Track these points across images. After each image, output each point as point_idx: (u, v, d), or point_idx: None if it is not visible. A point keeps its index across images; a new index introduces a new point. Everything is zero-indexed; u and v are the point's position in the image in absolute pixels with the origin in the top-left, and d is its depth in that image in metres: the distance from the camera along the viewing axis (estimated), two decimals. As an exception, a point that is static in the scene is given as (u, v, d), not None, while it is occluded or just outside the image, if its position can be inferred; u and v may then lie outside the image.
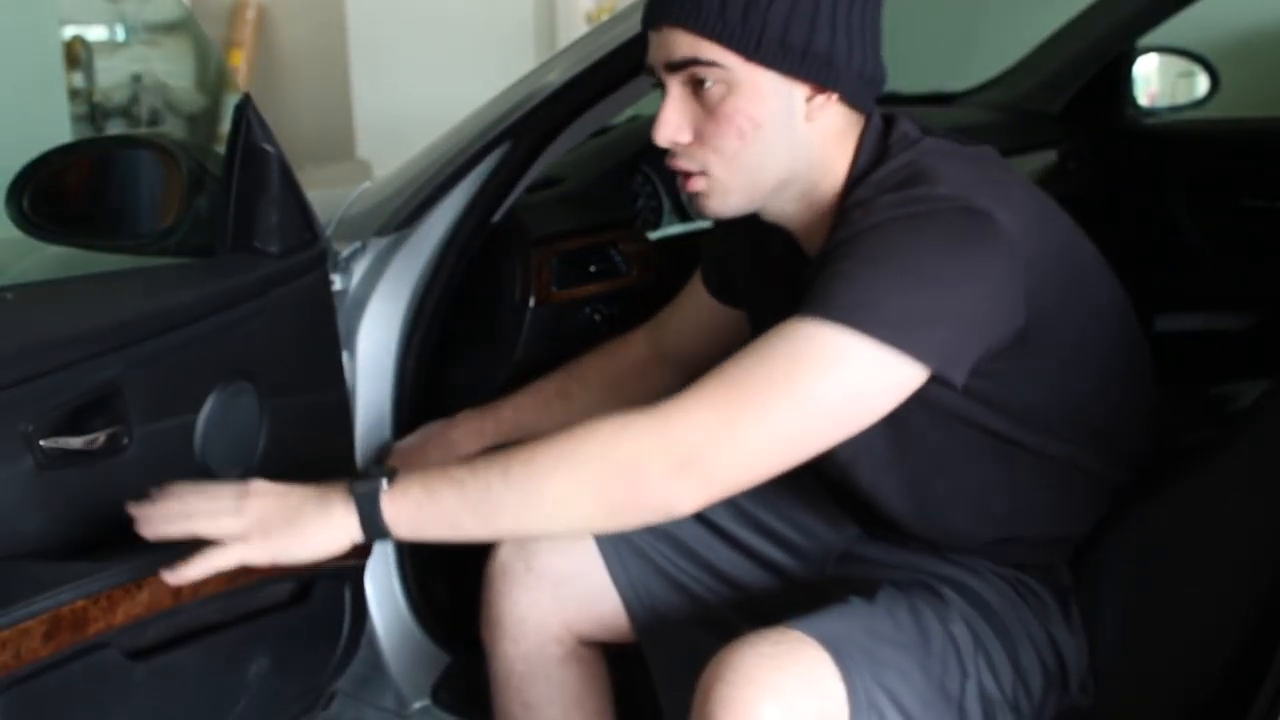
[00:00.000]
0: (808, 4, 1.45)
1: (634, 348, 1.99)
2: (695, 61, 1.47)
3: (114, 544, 1.52)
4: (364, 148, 5.71)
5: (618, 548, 1.80)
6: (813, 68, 1.47)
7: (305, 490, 1.46)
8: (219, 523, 1.44)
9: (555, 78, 1.99)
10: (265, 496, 1.45)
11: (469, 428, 2.00)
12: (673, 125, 1.51)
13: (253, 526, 1.43)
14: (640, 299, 2.29)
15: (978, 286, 1.41)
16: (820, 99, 1.49)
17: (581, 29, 5.47)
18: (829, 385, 1.39)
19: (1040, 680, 1.60)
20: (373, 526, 1.43)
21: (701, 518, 1.82)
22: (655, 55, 1.51)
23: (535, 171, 2.05)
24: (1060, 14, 3.21)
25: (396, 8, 5.58)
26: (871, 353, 1.38)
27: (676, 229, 2.56)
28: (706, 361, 1.83)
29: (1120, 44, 3.15)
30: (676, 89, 1.50)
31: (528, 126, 1.98)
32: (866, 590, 1.59)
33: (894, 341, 1.38)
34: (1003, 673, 1.57)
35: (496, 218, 2.07)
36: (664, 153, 2.57)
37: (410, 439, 2.05)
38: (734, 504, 1.83)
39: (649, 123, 2.64)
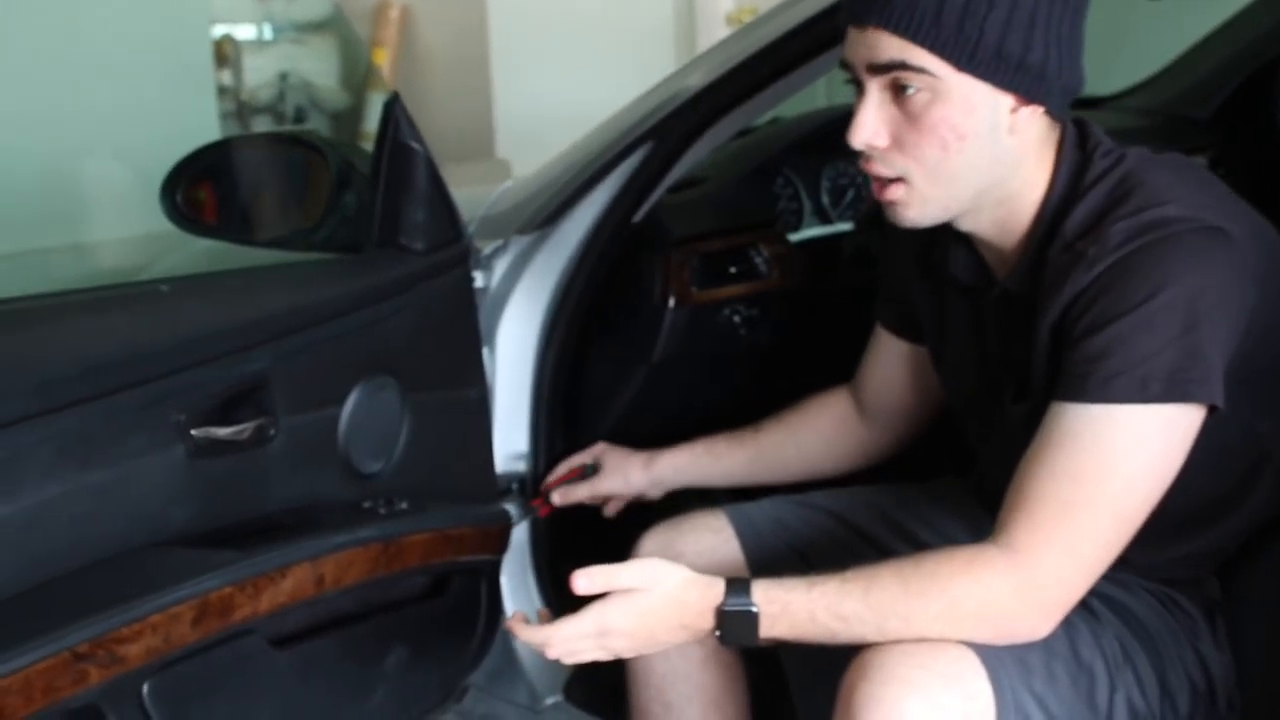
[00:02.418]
0: (1024, 15, 1.40)
1: (837, 407, 1.94)
2: (903, 66, 1.42)
3: (259, 532, 1.56)
4: (503, 147, 5.76)
5: (762, 551, 1.79)
6: (1025, 80, 1.43)
7: (666, 618, 1.47)
8: (581, 658, 1.52)
9: (698, 79, 1.99)
10: (625, 637, 1.48)
11: (671, 469, 1.99)
12: (870, 128, 1.46)
13: (619, 651, 1.51)
14: (780, 301, 2.28)
15: (1229, 307, 1.41)
16: (1025, 111, 1.45)
17: (721, 30, 5.46)
18: (1139, 469, 1.41)
19: (1188, 698, 1.56)
20: (734, 640, 1.48)
21: (847, 523, 1.82)
22: (856, 53, 1.46)
23: (677, 172, 2.05)
24: (1211, 18, 3.13)
25: (537, 9, 5.61)
26: (1167, 418, 1.40)
27: (817, 231, 2.54)
28: (912, 410, 1.88)
29: (1272, 48, 3.07)
30: (876, 91, 1.45)
31: (670, 127, 1.97)
32: None
33: (1183, 398, 1.39)
34: (1150, 689, 1.54)
35: (637, 218, 2.07)
36: (805, 154, 2.59)
37: (579, 458, 2.05)
38: (879, 510, 1.82)
39: (791, 125, 2.66)
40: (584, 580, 1.46)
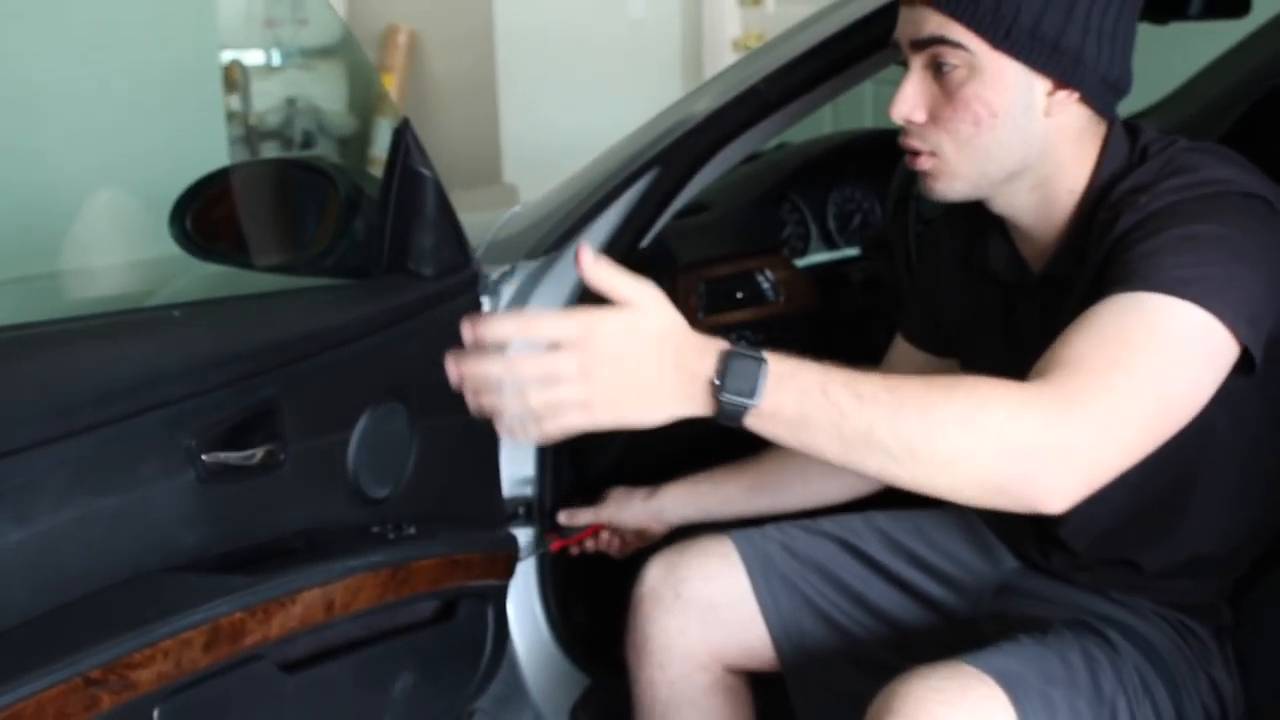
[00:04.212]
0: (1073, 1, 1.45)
1: None
2: (941, 41, 1.47)
3: (269, 557, 1.56)
4: (510, 172, 5.77)
5: (768, 578, 1.79)
6: (1060, 63, 1.46)
7: (659, 352, 1.25)
8: (560, 391, 1.24)
9: (705, 105, 2.00)
10: (610, 360, 1.24)
11: (671, 499, 1.99)
12: (909, 103, 1.50)
13: (597, 393, 1.25)
14: (786, 326, 2.29)
15: (1274, 269, 1.41)
16: (1061, 95, 1.49)
17: (728, 56, 5.48)
18: (1183, 360, 1.36)
19: (1202, 726, 1.56)
20: (733, 405, 1.26)
21: (855, 550, 1.81)
22: (903, 30, 1.51)
23: (684, 198, 2.06)
24: (1220, 43, 3.14)
25: (545, 35, 5.63)
26: (1205, 325, 1.36)
27: (823, 256, 2.55)
28: None
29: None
30: (918, 67, 1.50)
31: (677, 153, 1.98)
32: (1034, 628, 1.56)
33: (1219, 313, 1.36)
34: (1167, 719, 1.54)
35: (644, 243, 2.08)
36: (811, 180, 2.60)
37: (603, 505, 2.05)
38: (887, 536, 1.82)
39: (798, 150, 2.67)
40: (588, 256, 1.24)
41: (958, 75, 1.47)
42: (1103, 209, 1.50)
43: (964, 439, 1.26)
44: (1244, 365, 1.40)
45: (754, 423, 1.27)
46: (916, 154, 1.53)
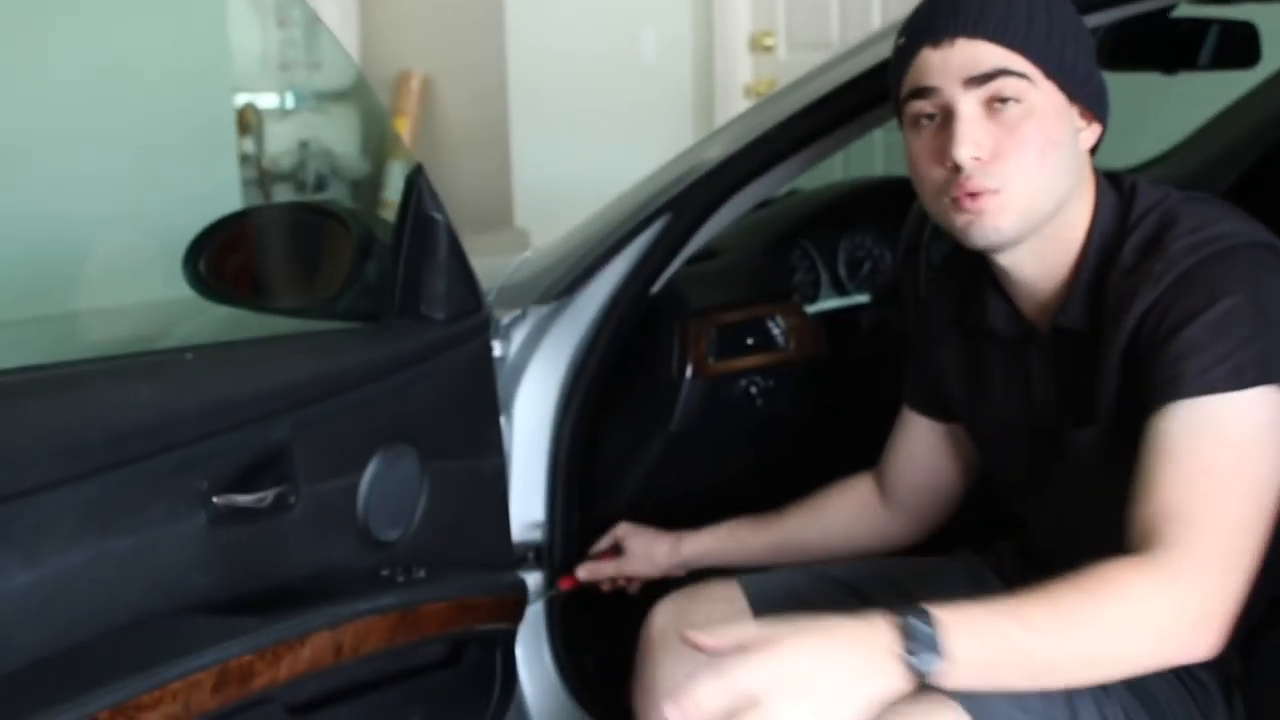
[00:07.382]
0: (1084, 36, 1.53)
1: (860, 492, 1.94)
2: (1005, 73, 1.47)
3: (279, 600, 1.56)
4: (521, 217, 5.78)
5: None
6: (1090, 94, 1.53)
7: (833, 645, 1.28)
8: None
9: (716, 151, 2.01)
10: (801, 661, 1.27)
11: (696, 555, 2.01)
12: (973, 141, 1.47)
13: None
14: (797, 373, 2.29)
15: None
16: (1087, 131, 1.54)
17: (740, 103, 5.50)
18: (1265, 454, 1.40)
19: (1196, 776, 1.55)
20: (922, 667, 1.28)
21: (860, 595, 1.81)
22: (946, 71, 1.49)
23: (696, 244, 2.07)
24: (1229, 93, 3.16)
25: (557, 80, 5.65)
26: (1268, 401, 1.41)
27: (834, 303, 2.56)
28: (939, 494, 1.86)
29: (1289, 124, 3.08)
30: (972, 107, 1.48)
31: (689, 200, 1.99)
32: None
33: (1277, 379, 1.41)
34: (1153, 763, 1.53)
35: (655, 289, 2.08)
36: (822, 226, 2.61)
37: (602, 544, 2.08)
38: (893, 581, 1.82)
39: (809, 197, 2.69)
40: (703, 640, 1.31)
41: (1017, 110, 1.48)
42: (1116, 271, 1.51)
43: (1128, 644, 1.34)
44: None
45: (945, 678, 1.28)
46: (976, 195, 1.49)
